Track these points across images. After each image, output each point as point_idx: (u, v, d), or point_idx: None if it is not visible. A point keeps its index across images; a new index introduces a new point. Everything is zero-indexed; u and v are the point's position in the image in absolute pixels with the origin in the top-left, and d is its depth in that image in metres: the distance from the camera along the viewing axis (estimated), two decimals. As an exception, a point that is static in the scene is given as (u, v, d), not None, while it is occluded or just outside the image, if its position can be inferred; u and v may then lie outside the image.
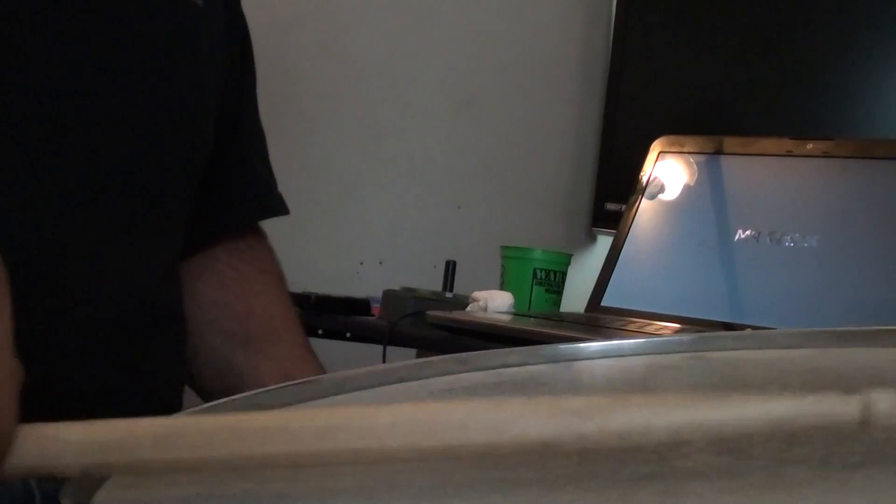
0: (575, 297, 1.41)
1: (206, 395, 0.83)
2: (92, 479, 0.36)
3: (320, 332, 1.30)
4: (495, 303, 1.22)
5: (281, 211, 0.88)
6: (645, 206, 1.31)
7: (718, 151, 1.29)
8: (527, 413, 0.32)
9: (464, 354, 0.53)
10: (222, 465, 0.35)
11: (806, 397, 0.31)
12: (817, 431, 0.31)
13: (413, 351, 1.28)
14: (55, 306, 0.65)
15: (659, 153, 1.33)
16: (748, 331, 0.93)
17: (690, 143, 1.32)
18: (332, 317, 1.31)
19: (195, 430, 0.35)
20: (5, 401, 0.37)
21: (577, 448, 0.32)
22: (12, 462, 0.37)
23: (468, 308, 1.24)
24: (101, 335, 0.68)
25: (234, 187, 0.85)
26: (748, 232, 1.20)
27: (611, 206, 1.65)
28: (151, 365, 0.73)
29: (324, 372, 0.80)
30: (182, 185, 0.76)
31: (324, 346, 1.17)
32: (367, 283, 1.58)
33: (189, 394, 0.83)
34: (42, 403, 0.65)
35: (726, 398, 0.32)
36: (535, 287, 1.34)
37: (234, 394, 0.48)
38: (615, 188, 1.64)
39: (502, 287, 1.36)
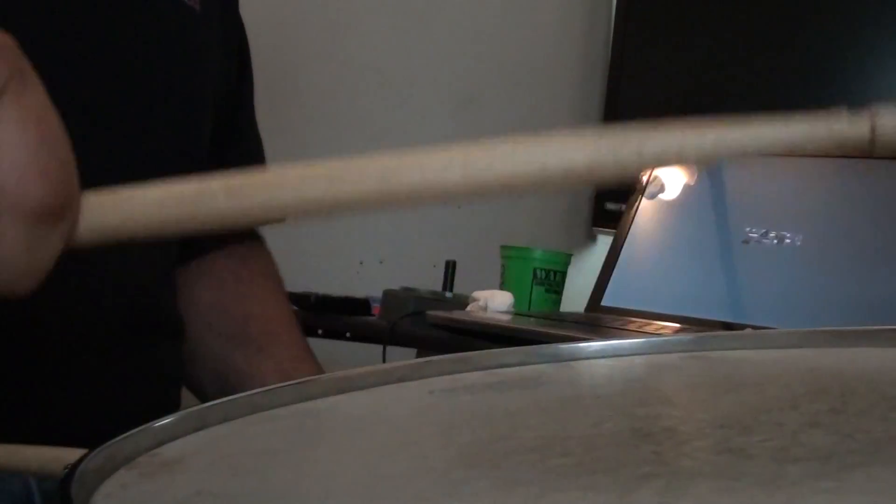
0: (575, 297, 1.41)
1: (205, 397, 0.83)
2: (92, 478, 0.36)
3: (320, 331, 1.30)
4: (495, 303, 1.22)
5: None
6: (645, 206, 1.31)
7: (718, 151, 1.29)
8: (570, 143, 0.34)
9: (464, 354, 0.53)
10: (293, 209, 0.37)
11: (819, 120, 0.34)
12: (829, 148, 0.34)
13: (413, 351, 1.28)
14: (50, 308, 0.65)
15: (659, 153, 1.33)
16: (748, 331, 0.93)
17: (690, 142, 1.32)
18: (332, 317, 1.31)
19: (263, 179, 0.37)
20: (68, 164, 0.38)
21: (617, 174, 0.34)
22: (89, 223, 0.38)
23: (468, 308, 1.24)
24: (97, 337, 0.68)
25: None
26: (748, 232, 1.20)
27: (611, 206, 1.65)
28: (149, 367, 0.73)
29: (322, 372, 0.80)
30: None
31: (324, 346, 1.17)
32: (367, 283, 1.58)
33: (188, 396, 0.83)
34: (40, 404, 0.65)
35: (750, 123, 0.35)
36: (535, 287, 1.34)
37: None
38: (615, 188, 1.64)
39: (502, 287, 1.36)
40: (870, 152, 0.33)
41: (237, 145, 0.86)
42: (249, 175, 0.37)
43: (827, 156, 1.21)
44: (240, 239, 0.87)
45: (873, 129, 0.33)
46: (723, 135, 0.34)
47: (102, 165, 0.69)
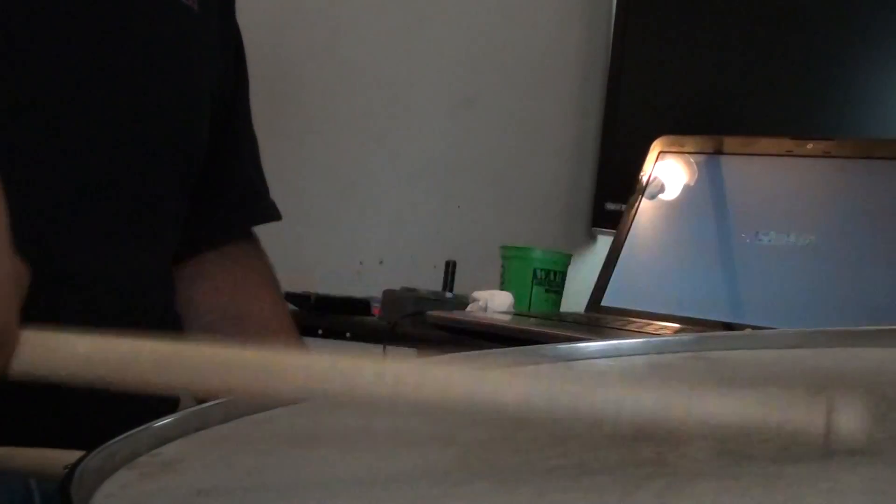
0: (575, 297, 1.41)
1: (203, 398, 0.83)
2: (92, 478, 0.36)
3: (320, 332, 1.30)
4: (495, 303, 1.22)
5: (273, 217, 0.88)
6: (645, 206, 1.31)
7: (718, 151, 1.29)
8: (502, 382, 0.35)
9: (464, 354, 0.53)
10: (216, 390, 0.38)
11: (775, 405, 0.33)
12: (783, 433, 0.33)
13: (413, 351, 1.28)
14: (47, 308, 0.65)
15: (659, 153, 1.33)
16: (748, 331, 0.93)
17: (690, 142, 1.32)
18: (332, 317, 1.31)
19: (193, 359, 0.37)
20: (6, 300, 0.38)
21: (547, 415, 0.35)
22: (19, 363, 0.39)
23: (468, 308, 1.24)
24: None
25: (227, 193, 0.85)
26: (748, 231, 1.20)
27: (611, 206, 1.65)
28: None
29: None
30: (175, 189, 0.76)
31: (324, 346, 1.17)
32: (367, 283, 1.58)
33: (186, 396, 0.83)
34: (39, 405, 0.65)
35: (723, 395, 0.33)
36: (535, 287, 1.34)
37: None
38: (615, 188, 1.64)
39: (502, 287, 1.35)
40: (823, 445, 0.32)
41: (233, 145, 0.86)
42: (180, 351, 0.37)
43: (826, 156, 1.21)
44: (235, 239, 0.87)
45: (828, 425, 0.32)
46: (664, 402, 0.34)
47: (100, 165, 0.69)
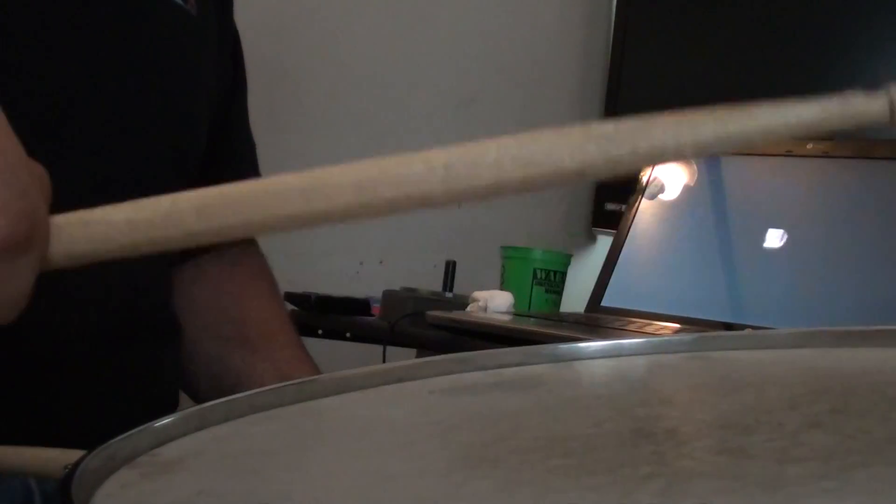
0: (575, 297, 1.41)
1: (203, 399, 0.83)
2: (92, 478, 0.36)
3: (320, 332, 1.30)
4: (495, 303, 1.22)
5: None
6: (645, 206, 1.31)
7: (718, 151, 1.29)
8: (559, 144, 0.32)
9: (464, 354, 0.53)
10: (267, 227, 0.35)
11: (832, 100, 0.31)
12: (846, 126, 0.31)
13: (413, 351, 1.28)
14: (45, 310, 0.65)
15: (659, 153, 1.33)
16: (748, 331, 0.93)
17: (690, 143, 1.32)
18: (332, 317, 1.31)
19: (237, 196, 0.35)
20: (29, 190, 0.37)
21: (610, 173, 0.32)
22: (60, 249, 0.37)
23: (468, 308, 1.24)
24: (95, 338, 0.68)
25: None
26: (748, 231, 1.20)
27: (611, 206, 1.65)
28: (147, 368, 0.73)
29: (319, 372, 0.80)
30: (172, 191, 0.76)
31: (324, 346, 1.17)
32: (367, 283, 1.58)
33: (186, 397, 0.83)
34: (39, 405, 0.65)
35: (754, 110, 0.31)
36: (535, 287, 1.34)
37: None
38: (615, 188, 1.64)
39: (502, 287, 1.36)
40: (890, 125, 0.31)
41: (231, 147, 0.86)
42: (221, 192, 0.36)
43: (826, 156, 1.21)
44: (233, 240, 0.87)
45: (892, 104, 0.31)
46: (723, 127, 0.32)
47: (97, 168, 0.69)
